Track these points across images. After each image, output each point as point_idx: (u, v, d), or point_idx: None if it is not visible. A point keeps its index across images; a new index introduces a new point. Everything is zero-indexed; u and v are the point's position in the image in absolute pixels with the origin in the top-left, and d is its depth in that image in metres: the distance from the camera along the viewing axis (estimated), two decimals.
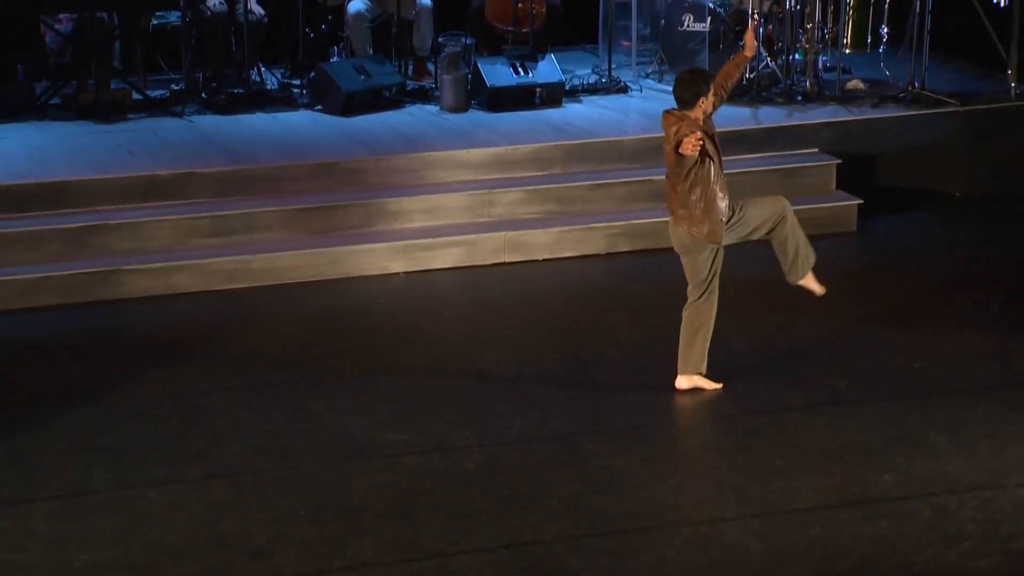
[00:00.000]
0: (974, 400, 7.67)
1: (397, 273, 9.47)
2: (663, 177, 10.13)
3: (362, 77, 10.73)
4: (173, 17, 11.08)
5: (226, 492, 6.86)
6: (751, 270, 9.51)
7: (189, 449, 7.23)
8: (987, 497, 6.73)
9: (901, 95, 10.82)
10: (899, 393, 7.77)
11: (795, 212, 10.02)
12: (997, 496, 6.74)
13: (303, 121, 10.60)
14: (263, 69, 11.18)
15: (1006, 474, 6.93)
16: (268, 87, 11.06)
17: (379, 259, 9.47)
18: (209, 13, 10.95)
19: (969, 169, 10.66)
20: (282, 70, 11.43)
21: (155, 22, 11.21)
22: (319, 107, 10.77)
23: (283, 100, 10.90)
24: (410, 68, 11.40)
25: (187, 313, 8.89)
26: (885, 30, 11.14)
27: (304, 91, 11.01)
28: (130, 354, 8.30)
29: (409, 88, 11.09)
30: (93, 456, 7.15)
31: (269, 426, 7.49)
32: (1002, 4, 10.83)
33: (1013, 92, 10.85)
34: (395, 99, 10.87)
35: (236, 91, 10.86)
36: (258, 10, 11.04)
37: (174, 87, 10.94)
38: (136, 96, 10.75)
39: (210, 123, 10.52)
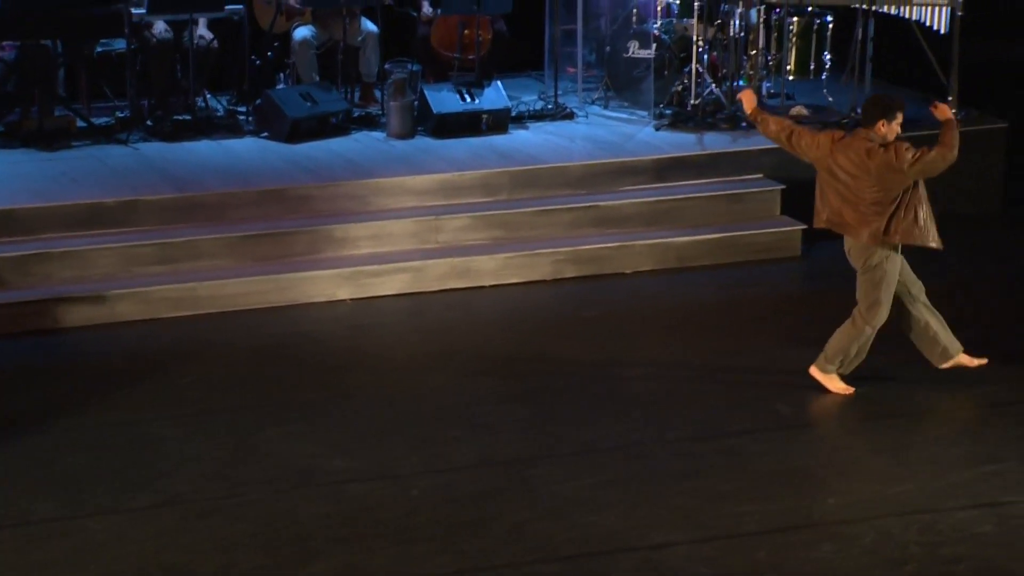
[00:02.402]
0: (917, 424, 7.74)
1: (344, 300, 9.47)
2: (608, 203, 10.25)
3: (308, 104, 10.73)
4: (118, 44, 11.05)
5: (173, 520, 6.83)
6: (696, 295, 9.58)
7: (136, 478, 7.20)
8: (929, 520, 6.80)
9: (844, 121, 10.92)
10: (843, 417, 7.83)
11: (740, 238, 10.16)
12: (939, 519, 6.81)
13: (249, 148, 10.59)
14: (209, 96, 11.16)
15: (948, 497, 6.99)
16: (214, 114, 11.05)
17: (325, 286, 9.47)
18: (154, 40, 10.94)
19: None
20: (228, 97, 11.42)
21: (99, 49, 11.17)
22: (265, 134, 10.76)
23: (229, 127, 10.89)
24: (356, 95, 11.42)
25: (133, 341, 8.85)
26: (828, 57, 11.25)
27: (250, 118, 11.01)
28: (75, 383, 8.25)
29: (355, 115, 11.11)
30: (38, 486, 7.10)
31: (216, 454, 7.46)
32: (942, 31, 10.96)
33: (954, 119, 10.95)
34: (341, 126, 10.89)
35: (181, 118, 10.85)
36: (208, 35, 11.03)
37: (119, 114, 10.91)
38: (80, 123, 10.71)
39: (155, 150, 10.49)
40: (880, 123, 7.77)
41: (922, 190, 7.85)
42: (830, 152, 7.89)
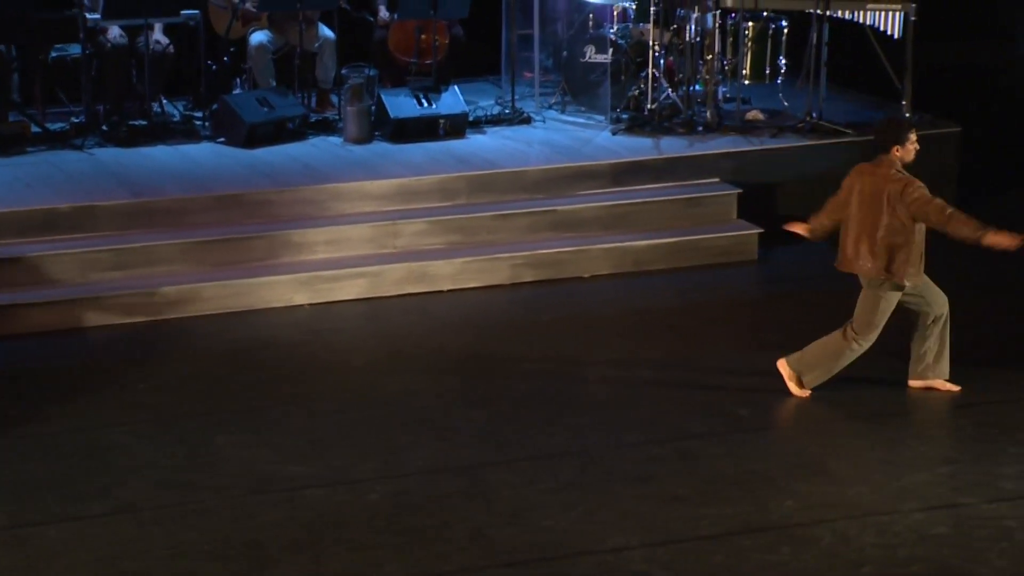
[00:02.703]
0: (873, 426, 7.78)
1: (301, 305, 9.45)
2: (566, 207, 10.27)
3: (265, 109, 10.71)
4: (73, 49, 10.99)
5: (128, 528, 6.80)
6: (654, 299, 9.60)
7: (91, 485, 7.16)
8: (885, 522, 6.83)
9: (799, 125, 10.97)
10: (800, 420, 7.86)
11: (697, 241, 10.19)
12: (895, 521, 6.84)
13: (205, 153, 10.55)
14: (165, 101, 11.12)
15: (904, 499, 7.03)
16: (170, 119, 11.00)
17: (283, 291, 9.44)
18: (109, 45, 10.89)
19: None
20: (184, 102, 11.38)
21: (54, 54, 11.11)
22: (222, 139, 10.73)
23: (185, 132, 10.85)
24: (313, 100, 11.39)
25: (89, 347, 8.81)
26: (783, 61, 11.30)
27: (206, 123, 10.97)
28: (31, 389, 8.20)
29: (312, 120, 11.09)
30: None
31: (172, 460, 7.43)
32: (896, 36, 11.02)
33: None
34: (298, 131, 10.86)
35: (138, 123, 10.80)
36: (164, 40, 10.99)
37: (74, 120, 10.86)
38: (35, 129, 10.65)
39: (111, 156, 10.44)
40: (894, 148, 7.81)
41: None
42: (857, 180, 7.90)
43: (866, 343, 7.97)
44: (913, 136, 7.86)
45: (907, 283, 7.86)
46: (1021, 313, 9.28)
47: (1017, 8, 12.34)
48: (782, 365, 8.11)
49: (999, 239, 7.70)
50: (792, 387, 8.07)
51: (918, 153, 7.91)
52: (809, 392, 8.05)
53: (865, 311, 7.96)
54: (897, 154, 7.83)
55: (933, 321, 8.02)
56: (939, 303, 8.02)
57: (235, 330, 9.07)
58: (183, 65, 11.28)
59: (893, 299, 7.92)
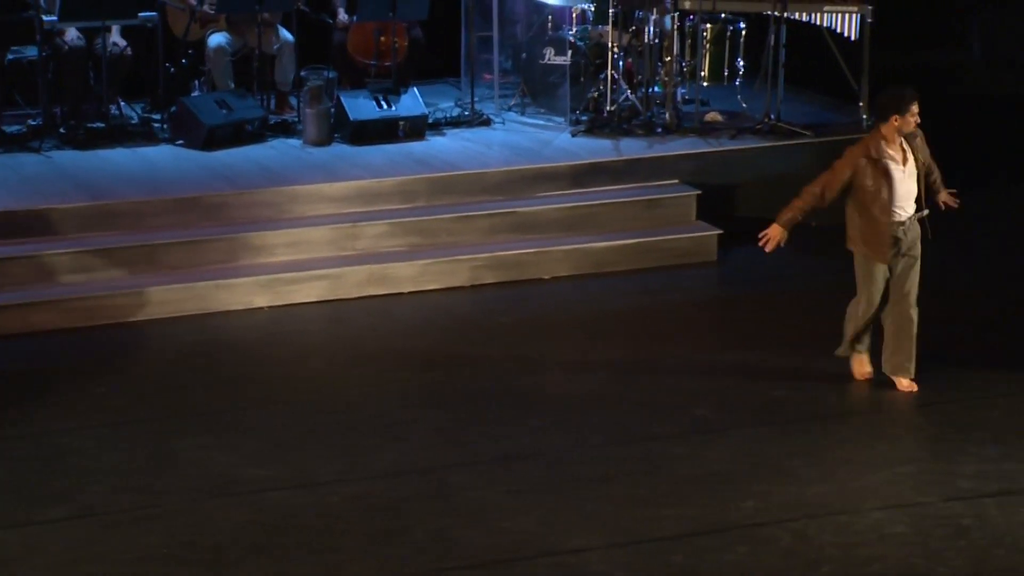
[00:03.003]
0: (832, 426, 7.82)
1: (261, 307, 9.43)
2: (526, 209, 10.30)
3: (224, 111, 10.68)
4: (29, 51, 10.93)
5: (88, 532, 6.77)
6: (614, 300, 9.63)
7: (50, 489, 7.12)
8: (845, 521, 6.87)
9: (758, 127, 11.02)
10: (760, 421, 7.90)
11: (657, 242, 10.22)
12: (854, 520, 6.88)
13: (164, 156, 10.52)
14: (123, 104, 11.07)
15: (863, 498, 7.07)
16: (128, 122, 10.96)
17: (243, 294, 9.42)
18: (66, 47, 10.83)
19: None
20: (142, 104, 11.33)
21: (11, 56, 11.04)
22: (180, 142, 10.69)
23: (143, 135, 10.81)
24: (272, 102, 11.37)
25: (47, 351, 8.76)
26: (741, 63, 11.35)
27: (165, 125, 10.93)
28: None
29: (271, 122, 11.06)
30: None
31: (132, 464, 7.41)
32: (853, 38, 11.09)
33: (865, 123, 11.10)
34: (257, 133, 10.84)
35: (95, 126, 10.75)
36: (121, 42, 10.95)
37: (31, 122, 10.80)
38: None
39: (69, 159, 10.39)
40: (893, 118, 7.91)
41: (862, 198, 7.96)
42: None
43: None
44: (915, 107, 7.90)
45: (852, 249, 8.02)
46: (983, 315, 9.34)
47: (971, 13, 12.43)
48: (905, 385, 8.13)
49: (769, 230, 8.09)
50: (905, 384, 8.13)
51: (915, 124, 7.95)
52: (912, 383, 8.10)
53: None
54: (895, 123, 7.89)
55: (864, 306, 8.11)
56: (865, 294, 8.05)
57: (195, 333, 9.04)
58: (141, 67, 11.24)
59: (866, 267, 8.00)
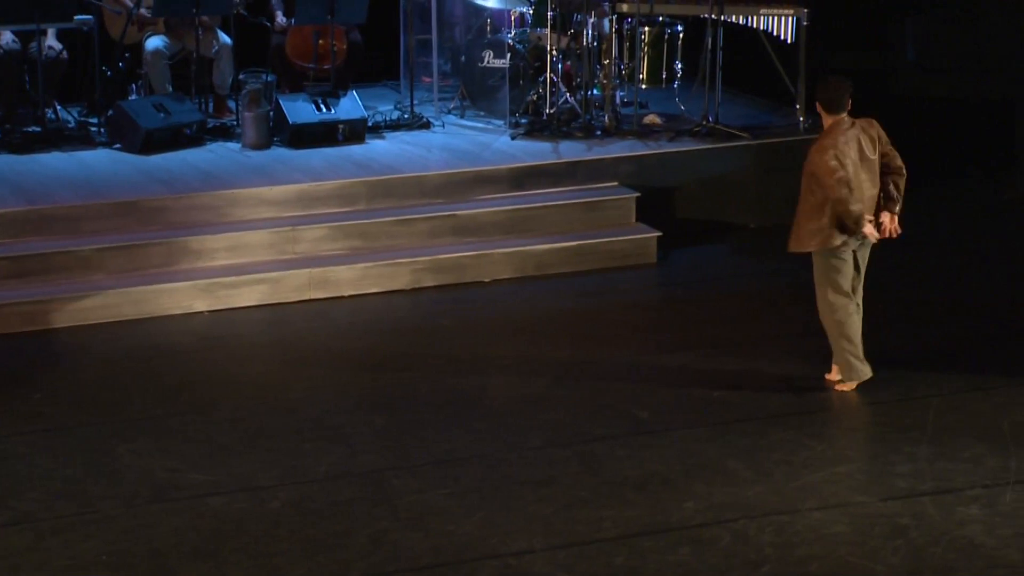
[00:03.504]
0: (771, 427, 7.87)
1: (201, 312, 9.39)
2: (466, 212, 10.31)
3: (161, 115, 10.63)
4: None
5: (25, 539, 6.72)
6: (554, 303, 9.65)
7: None
8: (784, 521, 6.92)
9: (696, 129, 11.08)
10: (699, 422, 7.94)
11: (597, 245, 10.26)
12: (793, 520, 6.94)
13: (101, 160, 10.45)
14: (59, 107, 10.99)
15: (801, 498, 7.13)
16: (65, 126, 10.88)
17: (182, 298, 9.38)
18: (1, 51, 10.75)
19: (763, 201, 10.96)
20: (79, 108, 11.26)
21: None
22: (118, 145, 10.63)
23: (80, 139, 10.74)
24: (210, 105, 11.33)
25: None
26: (679, 66, 11.41)
27: (102, 129, 10.87)
28: None
29: (210, 125, 11.02)
30: None
31: (70, 470, 7.36)
32: (789, 40, 11.17)
33: (802, 126, 11.19)
34: (196, 137, 10.79)
35: (31, 130, 10.67)
36: (57, 45, 10.87)
37: None
38: None
39: (5, 163, 10.31)
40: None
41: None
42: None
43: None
44: (850, 97, 7.94)
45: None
46: (917, 316, 9.43)
47: (904, 16, 12.55)
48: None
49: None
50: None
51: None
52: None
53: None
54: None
55: None
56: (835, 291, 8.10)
57: (134, 338, 8.99)
58: (77, 71, 11.16)
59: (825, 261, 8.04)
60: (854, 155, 7.87)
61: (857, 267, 8.08)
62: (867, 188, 7.91)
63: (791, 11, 11.11)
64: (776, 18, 11.13)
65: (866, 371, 8.12)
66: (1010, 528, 6.86)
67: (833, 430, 7.89)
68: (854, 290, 8.12)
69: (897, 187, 7.96)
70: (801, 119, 11.20)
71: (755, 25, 11.20)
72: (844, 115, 7.94)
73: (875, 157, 7.92)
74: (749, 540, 6.78)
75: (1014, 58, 11.82)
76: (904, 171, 7.97)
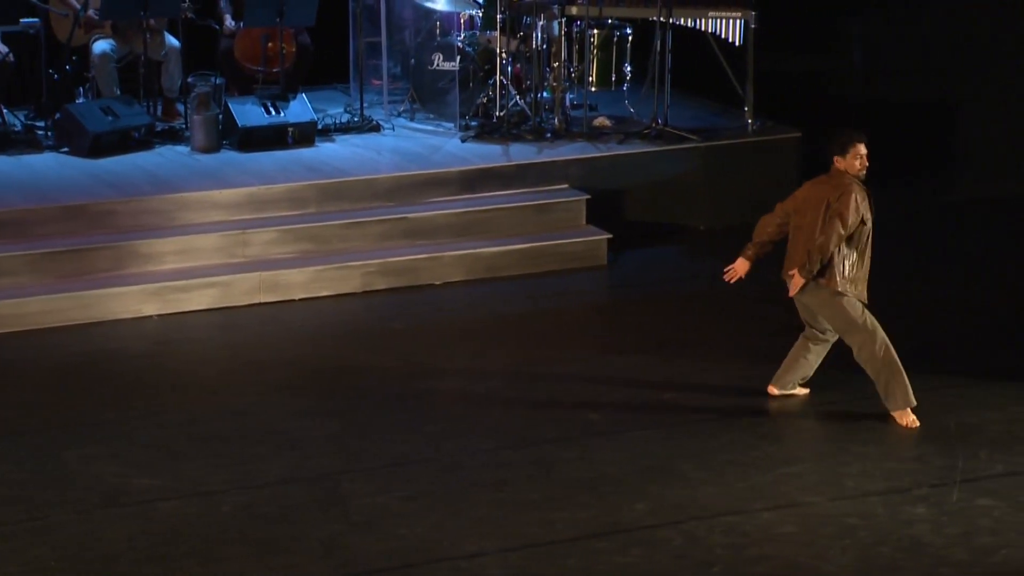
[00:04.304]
0: (721, 428, 7.92)
1: (150, 316, 9.35)
2: (417, 215, 10.32)
3: (109, 118, 10.57)
4: None
5: None
6: (506, 305, 9.67)
7: None
8: (734, 522, 6.96)
9: (645, 131, 11.12)
10: (650, 423, 7.97)
11: (547, 247, 10.28)
12: (743, 521, 6.98)
13: (49, 163, 10.39)
14: (6, 111, 10.91)
15: (751, 499, 7.17)
16: (11, 129, 10.81)
17: (131, 302, 9.34)
18: None
19: (712, 203, 11.01)
20: (26, 112, 11.18)
21: None
22: (65, 149, 10.57)
23: (27, 142, 10.66)
24: (159, 109, 11.27)
25: None
26: (629, 68, 11.44)
27: (49, 133, 10.79)
28: None
29: (159, 129, 10.97)
30: None
31: (18, 476, 7.31)
32: (737, 43, 11.22)
33: (750, 128, 11.24)
34: (144, 140, 10.74)
35: None
36: (2, 48, 10.79)
37: None
38: None
39: None
40: (836, 159, 7.81)
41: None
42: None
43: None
44: (854, 149, 7.75)
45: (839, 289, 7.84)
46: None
47: (852, 19, 12.63)
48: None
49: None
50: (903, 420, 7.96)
51: (862, 167, 7.79)
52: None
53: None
54: (839, 166, 7.80)
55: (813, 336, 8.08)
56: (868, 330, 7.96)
57: (83, 343, 8.95)
58: (24, 74, 11.08)
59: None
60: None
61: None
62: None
63: (739, 14, 11.16)
64: (724, 21, 11.18)
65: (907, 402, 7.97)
66: (956, 527, 6.93)
67: (783, 431, 7.94)
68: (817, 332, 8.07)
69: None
70: (749, 121, 11.26)
71: (703, 28, 11.24)
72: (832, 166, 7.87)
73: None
74: (700, 541, 6.82)
75: (958, 60, 11.93)
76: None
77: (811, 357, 8.11)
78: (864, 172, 7.85)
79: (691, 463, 7.53)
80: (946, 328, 9.28)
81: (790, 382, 8.17)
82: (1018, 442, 7.70)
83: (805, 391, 8.22)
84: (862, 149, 7.81)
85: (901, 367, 7.82)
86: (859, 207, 7.76)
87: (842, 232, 7.74)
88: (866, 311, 7.87)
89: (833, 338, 8.07)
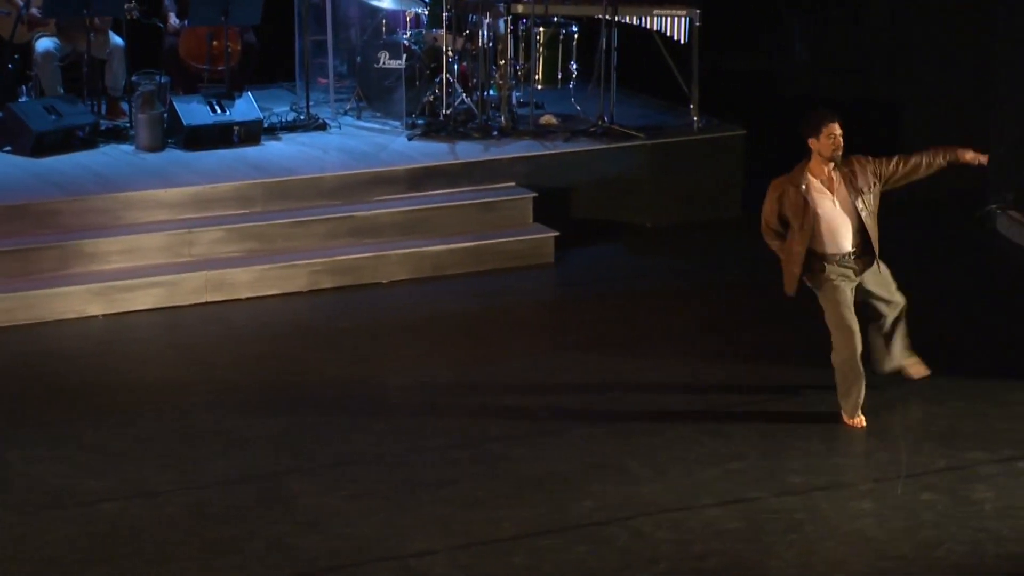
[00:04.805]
0: (667, 425, 7.94)
1: (96, 316, 9.30)
2: (363, 213, 10.30)
3: (53, 117, 10.50)
4: None
5: None
6: (453, 303, 9.67)
7: None
8: (679, 518, 6.99)
9: (591, 129, 11.14)
10: (597, 421, 7.99)
11: (494, 245, 10.29)
12: (689, 517, 7.01)
13: None
14: None
15: (697, 495, 7.21)
16: None
17: (76, 302, 9.28)
18: None
19: (658, 200, 11.04)
20: None
21: None
22: (8, 148, 10.49)
23: None
24: (103, 108, 11.21)
25: None
26: (575, 66, 11.46)
27: None
28: None
29: (103, 128, 10.90)
30: None
31: None
32: (682, 41, 11.26)
33: (696, 126, 11.28)
34: (89, 139, 10.68)
35: None
36: None
37: None
38: None
39: None
40: (810, 141, 7.71)
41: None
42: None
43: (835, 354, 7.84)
44: (832, 128, 7.63)
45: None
46: (808, 313, 9.53)
47: (794, 17, 12.71)
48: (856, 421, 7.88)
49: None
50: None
51: (835, 148, 7.66)
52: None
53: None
54: (813, 147, 7.69)
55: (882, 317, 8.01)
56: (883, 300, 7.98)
57: (27, 343, 8.89)
58: None
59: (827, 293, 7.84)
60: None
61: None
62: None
63: (683, 12, 11.20)
64: (669, 19, 11.22)
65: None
66: (900, 521, 6.99)
67: (729, 427, 7.97)
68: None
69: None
70: (695, 119, 11.30)
71: (649, 26, 11.28)
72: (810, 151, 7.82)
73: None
74: (646, 537, 6.84)
75: (899, 58, 12.01)
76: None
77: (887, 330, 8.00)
78: (838, 153, 7.71)
79: (637, 460, 7.55)
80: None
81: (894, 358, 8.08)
82: (961, 437, 7.77)
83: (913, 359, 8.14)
84: (836, 129, 7.68)
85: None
86: (782, 202, 7.71)
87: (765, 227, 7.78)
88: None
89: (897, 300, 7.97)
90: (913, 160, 7.85)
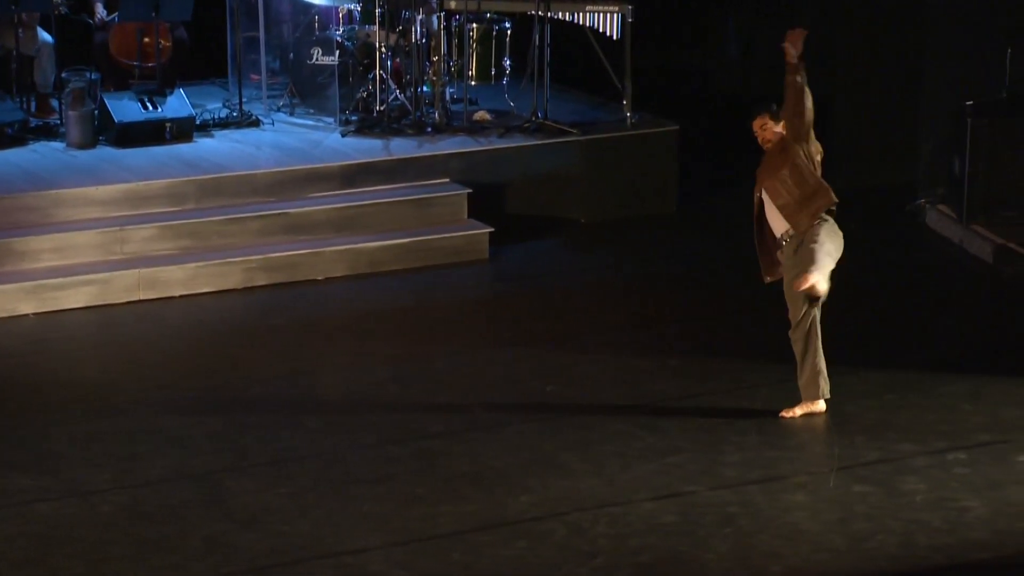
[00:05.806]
0: (603, 420, 7.99)
1: (27, 315, 9.23)
2: (298, 210, 10.27)
3: None
4: None
5: None
6: (388, 300, 9.67)
7: None
8: (617, 513, 7.03)
9: (525, 125, 11.17)
10: (533, 416, 8.02)
11: (429, 241, 10.29)
12: (626, 511, 7.05)
13: None
14: None
15: (634, 489, 7.25)
16: None
17: (6, 301, 9.20)
18: None
19: (592, 196, 11.08)
20: None
21: None
22: None
23: None
24: (33, 105, 11.10)
25: None
26: (508, 62, 11.48)
27: None
28: None
29: (33, 125, 10.81)
30: None
31: None
32: (615, 37, 11.30)
33: (629, 121, 11.33)
34: (18, 136, 10.58)
35: None
36: None
37: None
38: None
39: None
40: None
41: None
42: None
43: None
44: (755, 122, 7.89)
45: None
46: (741, 307, 9.62)
47: (726, 13, 12.79)
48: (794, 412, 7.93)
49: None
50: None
51: (762, 140, 7.89)
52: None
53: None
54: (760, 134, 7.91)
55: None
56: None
57: None
58: None
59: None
60: None
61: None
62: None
63: (616, 8, 11.24)
64: (602, 15, 11.26)
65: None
66: (833, 513, 7.06)
67: (665, 421, 8.02)
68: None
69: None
70: (628, 115, 11.34)
71: (581, 22, 11.32)
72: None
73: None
74: (583, 532, 6.88)
75: (830, 55, 12.11)
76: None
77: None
78: (765, 145, 7.94)
79: (573, 455, 7.59)
80: (821, 318, 9.41)
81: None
82: (892, 429, 7.86)
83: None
84: (754, 124, 7.93)
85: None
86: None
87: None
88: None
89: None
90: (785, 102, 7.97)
